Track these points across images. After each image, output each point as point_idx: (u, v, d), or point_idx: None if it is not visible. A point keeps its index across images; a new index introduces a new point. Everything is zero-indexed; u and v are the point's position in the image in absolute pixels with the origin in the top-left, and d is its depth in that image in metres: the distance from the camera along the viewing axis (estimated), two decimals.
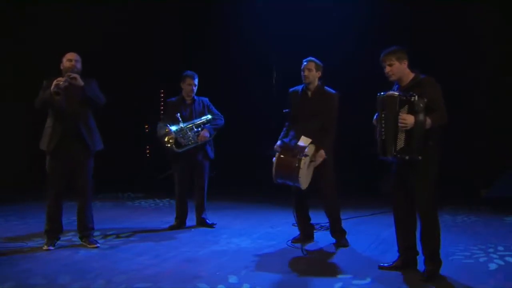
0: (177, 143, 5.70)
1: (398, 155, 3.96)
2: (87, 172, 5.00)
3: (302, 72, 5.03)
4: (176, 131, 5.63)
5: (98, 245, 5.02)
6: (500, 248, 4.95)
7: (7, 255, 4.69)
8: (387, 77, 4.15)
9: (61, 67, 4.97)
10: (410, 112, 3.90)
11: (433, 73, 4.14)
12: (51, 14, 8.63)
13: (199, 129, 5.80)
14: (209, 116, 5.90)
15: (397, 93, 3.98)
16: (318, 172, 4.91)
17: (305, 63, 5.03)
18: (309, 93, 5.07)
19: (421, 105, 3.88)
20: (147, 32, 9.52)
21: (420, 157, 3.91)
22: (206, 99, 6.05)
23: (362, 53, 8.48)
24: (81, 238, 5.08)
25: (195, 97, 5.96)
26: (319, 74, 5.03)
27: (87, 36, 8.74)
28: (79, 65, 4.96)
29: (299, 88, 5.15)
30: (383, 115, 4.04)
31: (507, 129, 7.92)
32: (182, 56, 9.86)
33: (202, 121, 5.85)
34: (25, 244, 5.06)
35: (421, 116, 3.87)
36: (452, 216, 6.50)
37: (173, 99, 6.04)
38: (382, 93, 4.10)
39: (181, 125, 5.67)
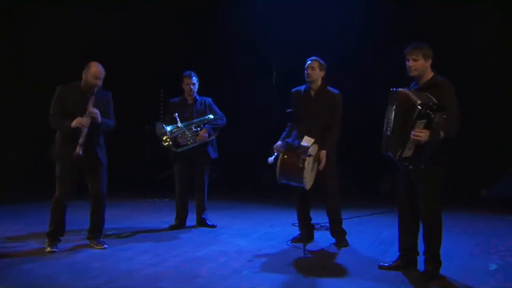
0: (176, 142, 5.70)
1: (403, 162, 3.89)
2: (102, 178, 4.95)
3: (305, 71, 5.02)
4: (171, 131, 5.63)
5: (106, 246, 4.98)
6: (501, 248, 4.96)
7: (7, 255, 4.67)
8: (408, 71, 4.04)
9: (83, 75, 4.77)
10: (427, 127, 3.73)
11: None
12: (51, 14, 8.63)
13: (198, 129, 5.78)
14: (211, 116, 5.87)
15: (419, 102, 3.74)
16: (321, 172, 4.89)
17: (309, 62, 5.03)
18: (312, 92, 5.06)
19: (440, 123, 3.70)
20: (147, 32, 9.52)
21: (423, 166, 3.83)
22: (209, 99, 6.02)
23: (362, 53, 8.50)
24: (89, 238, 5.05)
25: (197, 97, 5.94)
26: (322, 73, 5.03)
27: (87, 36, 8.76)
28: (101, 82, 4.83)
29: (302, 88, 5.14)
30: (394, 112, 3.91)
31: (507, 129, 7.92)
32: (182, 56, 9.86)
33: (202, 121, 5.83)
34: (25, 244, 5.05)
35: (436, 135, 3.73)
36: (452, 216, 6.48)
37: (176, 99, 6.03)
38: (399, 88, 3.98)
39: (179, 124, 5.66)
